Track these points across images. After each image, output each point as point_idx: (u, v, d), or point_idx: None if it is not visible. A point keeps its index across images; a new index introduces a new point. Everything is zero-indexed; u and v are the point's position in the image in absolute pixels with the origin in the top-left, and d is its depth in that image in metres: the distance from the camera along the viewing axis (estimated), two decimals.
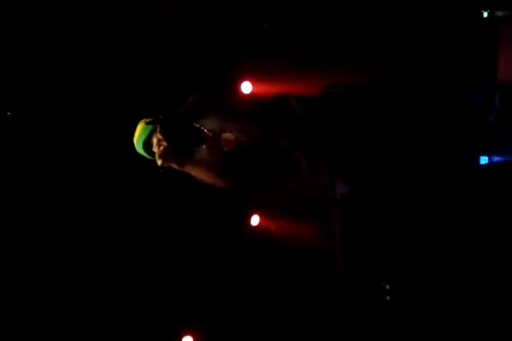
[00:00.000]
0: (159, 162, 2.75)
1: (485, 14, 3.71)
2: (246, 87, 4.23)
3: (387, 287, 3.79)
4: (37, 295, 3.62)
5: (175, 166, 2.77)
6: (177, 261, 4.25)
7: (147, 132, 2.82)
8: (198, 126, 2.84)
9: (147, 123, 2.83)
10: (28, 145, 3.72)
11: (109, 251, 3.99)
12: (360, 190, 3.05)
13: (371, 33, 3.99)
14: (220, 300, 4.36)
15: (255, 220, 4.56)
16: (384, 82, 3.55)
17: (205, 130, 2.83)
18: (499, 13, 3.68)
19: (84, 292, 3.86)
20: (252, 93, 4.21)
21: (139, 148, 2.85)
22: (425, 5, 3.81)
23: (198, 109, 2.88)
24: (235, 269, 4.46)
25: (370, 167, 2.96)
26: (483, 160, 3.33)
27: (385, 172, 2.99)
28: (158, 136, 2.80)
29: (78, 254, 3.88)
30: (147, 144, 2.82)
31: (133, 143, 2.88)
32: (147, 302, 4.09)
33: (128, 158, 3.11)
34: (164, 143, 2.76)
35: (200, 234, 4.34)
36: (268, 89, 4.12)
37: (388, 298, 3.77)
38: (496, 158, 3.32)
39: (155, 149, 2.80)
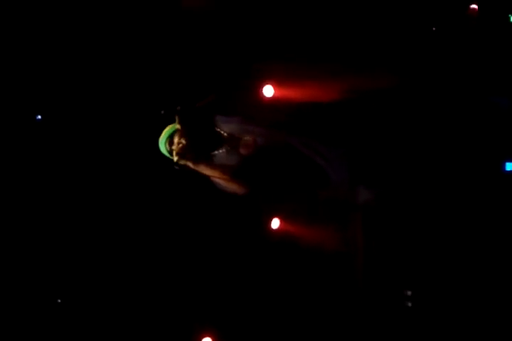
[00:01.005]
0: (175, 158, 2.77)
1: None
2: (268, 91, 4.21)
3: (409, 293, 3.77)
4: (46, 295, 3.62)
5: (190, 165, 2.79)
6: (196, 263, 4.25)
7: (171, 131, 2.85)
8: (217, 129, 2.85)
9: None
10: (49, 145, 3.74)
11: (126, 251, 4.00)
12: (383, 197, 3.02)
13: (396, 38, 3.95)
14: (239, 302, 4.36)
15: (275, 223, 4.53)
16: (407, 88, 3.54)
17: (225, 133, 2.85)
18: None
19: (104, 294, 3.87)
20: (273, 97, 4.19)
21: (161, 146, 2.89)
22: (453, 12, 3.77)
23: (217, 108, 2.91)
24: (254, 272, 4.45)
25: (392, 174, 2.94)
26: (509, 166, 3.30)
27: (408, 180, 2.97)
28: (179, 135, 2.82)
29: (98, 256, 3.89)
30: (169, 142, 2.86)
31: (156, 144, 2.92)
32: (167, 304, 4.10)
33: (153, 159, 3.12)
34: (183, 142, 2.74)
35: (219, 236, 4.33)
36: (290, 92, 4.10)
37: (410, 304, 3.75)
38: None
39: (174, 147, 2.83)
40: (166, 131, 2.89)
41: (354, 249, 4.03)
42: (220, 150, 2.86)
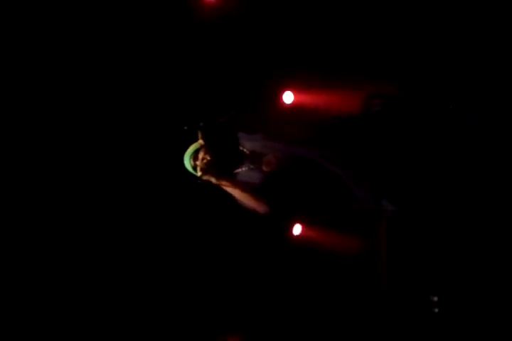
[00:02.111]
0: (199, 173, 2.79)
1: None
2: (288, 97, 4.20)
3: (435, 299, 3.76)
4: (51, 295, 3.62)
5: (213, 180, 2.81)
6: (218, 269, 4.25)
7: (197, 147, 2.89)
8: (240, 146, 2.87)
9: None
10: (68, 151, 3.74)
11: (148, 258, 4.00)
12: (408, 208, 3.00)
13: (415, 46, 3.93)
14: (261, 308, 4.37)
15: (297, 230, 4.53)
16: (427, 95, 3.51)
17: (247, 151, 2.87)
18: None
19: (123, 298, 3.89)
20: (293, 104, 4.18)
21: (186, 162, 2.91)
22: (470, 22, 3.74)
23: (239, 124, 2.91)
24: (275, 278, 4.45)
25: (418, 185, 2.92)
26: None
27: (433, 191, 2.94)
28: (204, 151, 2.85)
29: (113, 259, 3.90)
30: (193, 158, 2.88)
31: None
32: (192, 308, 4.11)
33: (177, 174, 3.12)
34: (207, 157, 2.81)
35: (240, 242, 4.33)
36: (310, 100, 4.10)
37: (436, 310, 3.74)
38: None
39: (198, 162, 2.85)
40: (192, 147, 2.90)
41: (378, 256, 4.02)
42: (243, 168, 2.87)
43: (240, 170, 2.86)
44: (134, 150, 3.86)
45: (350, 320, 4.19)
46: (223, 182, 2.80)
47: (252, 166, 2.83)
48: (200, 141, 2.86)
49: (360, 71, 3.98)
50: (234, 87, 4.10)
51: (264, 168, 2.83)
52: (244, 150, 2.87)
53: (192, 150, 2.88)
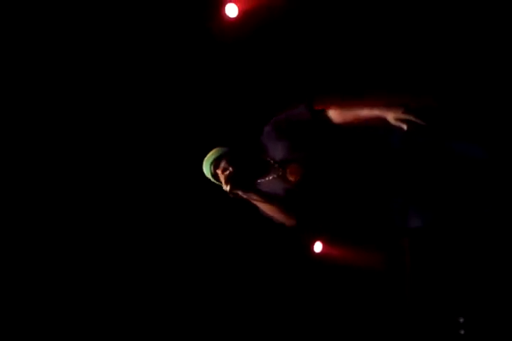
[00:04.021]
0: (227, 188, 2.68)
1: None
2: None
3: (462, 320, 3.65)
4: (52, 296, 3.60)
5: (241, 193, 2.70)
6: (240, 282, 4.21)
7: (218, 154, 2.77)
8: (265, 157, 2.77)
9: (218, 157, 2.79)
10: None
11: (169, 266, 3.98)
12: (433, 225, 2.92)
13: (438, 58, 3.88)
14: (283, 323, 4.30)
15: (318, 247, 4.47)
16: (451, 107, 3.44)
17: (272, 161, 2.76)
18: None
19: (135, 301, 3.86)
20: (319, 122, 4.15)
21: (206, 168, 2.80)
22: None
23: (266, 141, 2.81)
24: (296, 295, 4.38)
25: (444, 202, 2.83)
26: None
27: (459, 209, 2.85)
28: (227, 160, 2.74)
29: (126, 262, 3.88)
30: (214, 165, 2.77)
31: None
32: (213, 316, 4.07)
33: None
34: (231, 169, 2.70)
35: (260, 258, 4.28)
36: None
37: (463, 331, 3.63)
38: None
39: (219, 172, 2.74)
40: (213, 153, 2.78)
41: (402, 274, 3.93)
42: (268, 178, 2.76)
43: (264, 180, 2.76)
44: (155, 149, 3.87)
45: (373, 336, 4.10)
46: (250, 195, 2.70)
47: (276, 176, 2.73)
48: (222, 149, 2.77)
49: (380, 84, 3.94)
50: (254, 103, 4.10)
51: (289, 178, 2.72)
52: (269, 159, 2.77)
53: (212, 157, 2.76)
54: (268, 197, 2.67)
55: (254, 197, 2.68)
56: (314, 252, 4.47)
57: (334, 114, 2.70)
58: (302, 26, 4.11)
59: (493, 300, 3.57)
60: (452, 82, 3.78)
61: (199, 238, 4.04)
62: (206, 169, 2.77)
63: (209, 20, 3.99)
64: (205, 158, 2.79)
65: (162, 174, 3.94)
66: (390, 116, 2.55)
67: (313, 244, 4.47)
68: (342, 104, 2.73)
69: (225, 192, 2.63)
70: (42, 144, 3.59)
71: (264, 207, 2.70)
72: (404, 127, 2.52)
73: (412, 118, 2.49)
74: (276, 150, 2.73)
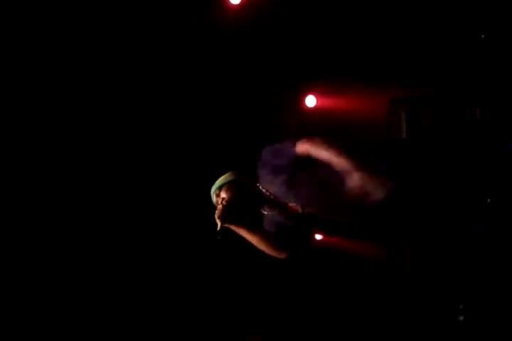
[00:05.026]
0: (218, 223, 2.57)
1: None
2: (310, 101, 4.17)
3: (461, 306, 3.69)
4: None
5: (233, 228, 2.62)
6: (240, 276, 4.23)
7: (222, 183, 2.70)
8: (262, 189, 2.72)
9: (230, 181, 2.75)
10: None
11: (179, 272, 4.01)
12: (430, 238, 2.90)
13: (439, 49, 3.90)
14: (283, 314, 4.33)
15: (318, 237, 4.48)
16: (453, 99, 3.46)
17: (267, 193, 2.71)
18: None
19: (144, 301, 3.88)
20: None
21: (212, 192, 2.73)
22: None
23: (263, 171, 2.75)
24: (297, 285, 4.41)
25: (446, 206, 2.81)
26: None
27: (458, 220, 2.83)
28: (225, 190, 2.67)
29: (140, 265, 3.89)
30: (216, 194, 2.69)
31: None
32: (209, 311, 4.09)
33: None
34: (225, 198, 2.64)
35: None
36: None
37: (462, 317, 3.68)
38: None
39: (217, 200, 2.66)
40: (220, 180, 2.70)
41: (402, 261, 3.97)
42: (266, 208, 2.73)
43: (263, 209, 2.71)
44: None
45: (373, 325, 4.14)
46: (241, 231, 2.62)
47: (272, 212, 2.70)
48: (230, 176, 2.69)
49: (383, 75, 3.95)
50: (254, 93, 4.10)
51: (285, 215, 2.69)
52: (267, 192, 2.71)
53: (218, 185, 2.69)
54: (261, 234, 2.66)
55: (243, 233, 2.64)
56: (315, 239, 4.47)
57: (309, 148, 2.52)
58: (304, 13, 4.12)
59: (492, 286, 3.61)
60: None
61: (198, 232, 4.05)
62: (212, 193, 2.72)
63: (212, 6, 3.99)
64: (212, 187, 2.73)
65: (162, 175, 3.96)
66: (348, 179, 2.39)
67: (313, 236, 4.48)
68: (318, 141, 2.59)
69: (216, 232, 2.57)
70: (42, 144, 3.59)
71: (255, 243, 2.66)
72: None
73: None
74: (273, 185, 2.62)
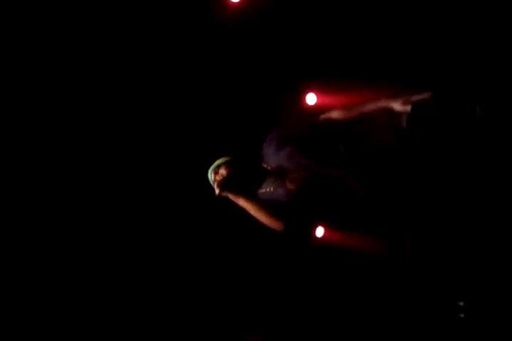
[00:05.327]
0: (217, 191, 2.73)
1: None
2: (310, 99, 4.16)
3: (461, 304, 3.70)
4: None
5: (230, 197, 2.74)
6: (241, 272, 4.24)
7: (219, 162, 2.84)
8: (263, 163, 2.80)
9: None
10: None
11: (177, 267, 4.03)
12: (431, 203, 2.93)
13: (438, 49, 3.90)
14: (285, 310, 4.34)
15: (320, 232, 4.50)
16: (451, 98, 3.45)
17: (269, 167, 2.79)
18: None
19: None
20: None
21: (209, 175, 2.86)
22: None
23: (268, 149, 2.82)
24: (298, 281, 4.42)
25: (441, 192, 2.85)
26: None
27: (455, 185, 2.87)
28: (224, 167, 2.81)
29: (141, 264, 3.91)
30: (214, 172, 2.82)
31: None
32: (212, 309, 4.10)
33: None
34: (224, 174, 2.77)
35: (262, 245, 4.31)
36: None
37: (463, 315, 3.68)
38: None
39: (217, 177, 2.79)
40: (217, 162, 2.84)
41: (403, 258, 3.97)
42: (264, 185, 2.80)
43: (260, 187, 2.79)
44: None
45: (374, 321, 4.15)
46: (241, 200, 2.72)
47: (273, 183, 2.76)
48: (224, 158, 2.80)
49: (384, 72, 3.95)
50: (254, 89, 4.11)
51: (288, 186, 2.75)
52: (268, 167, 2.79)
53: (216, 165, 2.82)
54: (259, 203, 2.71)
55: (242, 202, 2.72)
56: (316, 237, 4.49)
57: (338, 114, 2.74)
58: (304, 11, 4.11)
59: (492, 283, 3.61)
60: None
61: (199, 226, 4.07)
62: (209, 176, 2.84)
63: (212, 4, 3.99)
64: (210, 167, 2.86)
65: (162, 175, 3.98)
66: (396, 104, 2.60)
67: (314, 229, 4.49)
68: (343, 104, 2.75)
69: (215, 196, 2.68)
70: (42, 144, 3.61)
71: (253, 212, 2.73)
72: (409, 109, 2.58)
73: (416, 99, 2.56)
74: (277, 158, 2.75)
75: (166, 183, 3.98)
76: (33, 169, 3.59)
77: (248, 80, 4.14)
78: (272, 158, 2.76)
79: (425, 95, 2.67)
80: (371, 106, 2.70)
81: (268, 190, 2.77)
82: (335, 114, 2.75)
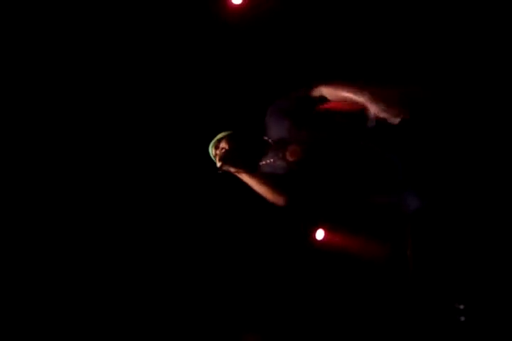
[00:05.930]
0: (218, 164, 2.72)
1: None
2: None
3: (461, 307, 3.64)
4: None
5: (232, 170, 2.72)
6: (239, 272, 4.21)
7: (220, 136, 2.85)
8: (264, 136, 2.80)
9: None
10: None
11: (172, 259, 4.00)
12: (432, 206, 2.91)
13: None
14: (287, 312, 4.30)
15: (320, 234, 4.45)
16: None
17: (270, 140, 2.79)
18: None
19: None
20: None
21: (210, 150, 2.85)
22: None
23: (269, 122, 2.83)
24: (298, 283, 4.38)
25: (442, 182, 2.83)
26: None
27: (458, 188, 2.85)
28: (226, 140, 2.82)
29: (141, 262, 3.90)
30: (215, 147, 2.83)
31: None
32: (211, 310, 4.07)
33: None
34: (226, 147, 2.77)
35: (262, 247, 4.28)
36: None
37: (463, 318, 3.62)
38: None
39: (218, 151, 2.79)
40: (217, 136, 2.84)
41: (403, 259, 3.91)
42: (265, 157, 2.79)
43: (261, 159, 2.79)
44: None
45: (375, 324, 4.09)
46: (243, 174, 2.71)
47: (274, 156, 2.75)
48: (224, 132, 2.82)
49: (384, 74, 3.92)
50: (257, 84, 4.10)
51: (288, 158, 2.74)
52: (269, 139, 2.79)
53: (216, 139, 2.83)
54: (261, 176, 2.70)
55: (244, 176, 2.71)
56: (316, 239, 4.45)
57: (327, 91, 2.72)
58: (306, 12, 4.12)
59: (493, 286, 3.56)
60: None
61: (198, 227, 4.05)
62: (210, 151, 2.84)
63: (213, 5, 4.01)
64: (211, 143, 2.86)
65: (162, 175, 3.97)
66: (373, 108, 2.55)
67: (314, 231, 4.46)
68: (337, 83, 2.73)
69: (217, 169, 2.67)
70: (42, 144, 3.63)
71: (255, 186, 2.72)
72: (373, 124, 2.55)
73: (390, 115, 2.50)
74: (278, 131, 2.75)
75: (165, 185, 3.97)
76: (33, 169, 3.60)
77: (249, 81, 4.14)
78: (273, 130, 2.76)
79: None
80: (354, 98, 2.65)
81: (269, 161, 2.75)
82: (324, 90, 2.72)
